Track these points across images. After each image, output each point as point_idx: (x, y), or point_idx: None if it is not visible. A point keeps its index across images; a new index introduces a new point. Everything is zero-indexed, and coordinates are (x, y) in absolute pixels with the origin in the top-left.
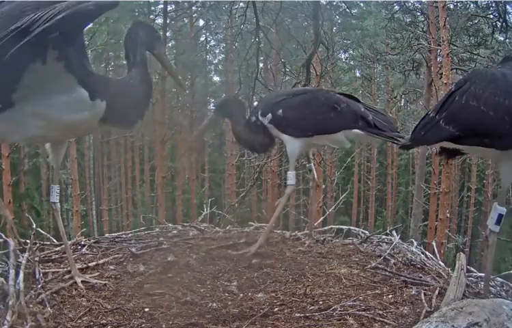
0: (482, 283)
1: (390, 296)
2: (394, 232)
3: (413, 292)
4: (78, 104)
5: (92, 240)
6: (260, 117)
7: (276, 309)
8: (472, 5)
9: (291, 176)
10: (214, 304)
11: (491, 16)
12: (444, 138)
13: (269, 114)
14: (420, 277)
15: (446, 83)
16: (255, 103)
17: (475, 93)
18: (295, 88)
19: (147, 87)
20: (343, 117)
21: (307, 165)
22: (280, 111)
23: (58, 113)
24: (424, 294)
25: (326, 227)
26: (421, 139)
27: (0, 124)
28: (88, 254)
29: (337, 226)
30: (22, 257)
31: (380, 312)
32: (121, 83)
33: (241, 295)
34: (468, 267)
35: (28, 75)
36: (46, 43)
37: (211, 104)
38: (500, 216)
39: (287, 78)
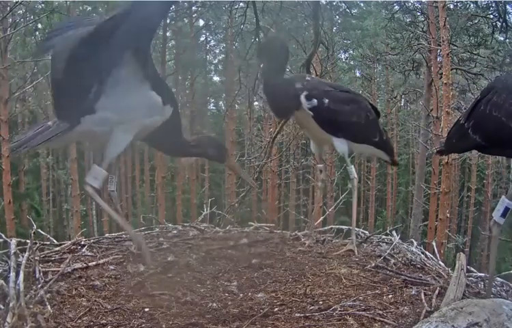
0: (483, 283)
1: (390, 296)
2: (394, 232)
3: (413, 292)
4: (153, 108)
5: (92, 240)
6: (303, 99)
7: (276, 309)
8: (472, 5)
9: (351, 171)
10: (214, 304)
11: (491, 16)
12: (471, 147)
13: (315, 100)
14: (420, 277)
15: (446, 83)
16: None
17: (497, 103)
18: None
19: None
20: (371, 129)
21: (317, 166)
22: (327, 101)
23: (138, 117)
24: (425, 294)
25: (326, 227)
26: (453, 146)
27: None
28: (88, 254)
29: (337, 226)
30: (22, 257)
31: (380, 312)
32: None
33: (241, 295)
34: (468, 267)
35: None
36: (126, 46)
37: (212, 104)
38: (507, 209)
39: None
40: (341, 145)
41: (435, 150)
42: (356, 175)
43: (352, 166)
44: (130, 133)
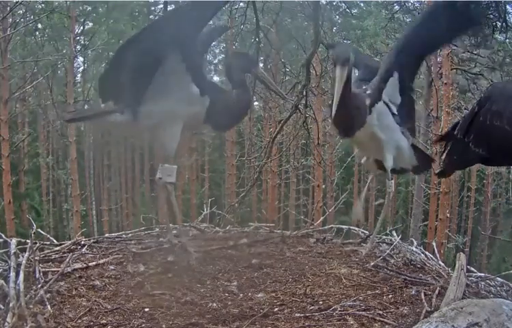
0: (483, 283)
1: (390, 296)
2: (394, 232)
3: (413, 292)
4: (192, 99)
5: (92, 240)
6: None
7: (276, 309)
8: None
9: (391, 184)
10: (214, 304)
11: (491, 16)
12: (475, 161)
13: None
14: (420, 277)
15: (446, 83)
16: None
17: (497, 112)
18: None
19: (243, 104)
20: None
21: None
22: None
23: (179, 107)
24: (425, 294)
25: (326, 227)
26: (455, 164)
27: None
28: (88, 254)
29: (337, 226)
30: (22, 257)
31: (380, 312)
32: (222, 90)
33: (241, 295)
34: (468, 267)
35: (157, 78)
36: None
37: None
38: None
39: (287, 78)
40: (390, 160)
41: (437, 172)
42: (393, 190)
43: (392, 181)
44: (177, 124)
